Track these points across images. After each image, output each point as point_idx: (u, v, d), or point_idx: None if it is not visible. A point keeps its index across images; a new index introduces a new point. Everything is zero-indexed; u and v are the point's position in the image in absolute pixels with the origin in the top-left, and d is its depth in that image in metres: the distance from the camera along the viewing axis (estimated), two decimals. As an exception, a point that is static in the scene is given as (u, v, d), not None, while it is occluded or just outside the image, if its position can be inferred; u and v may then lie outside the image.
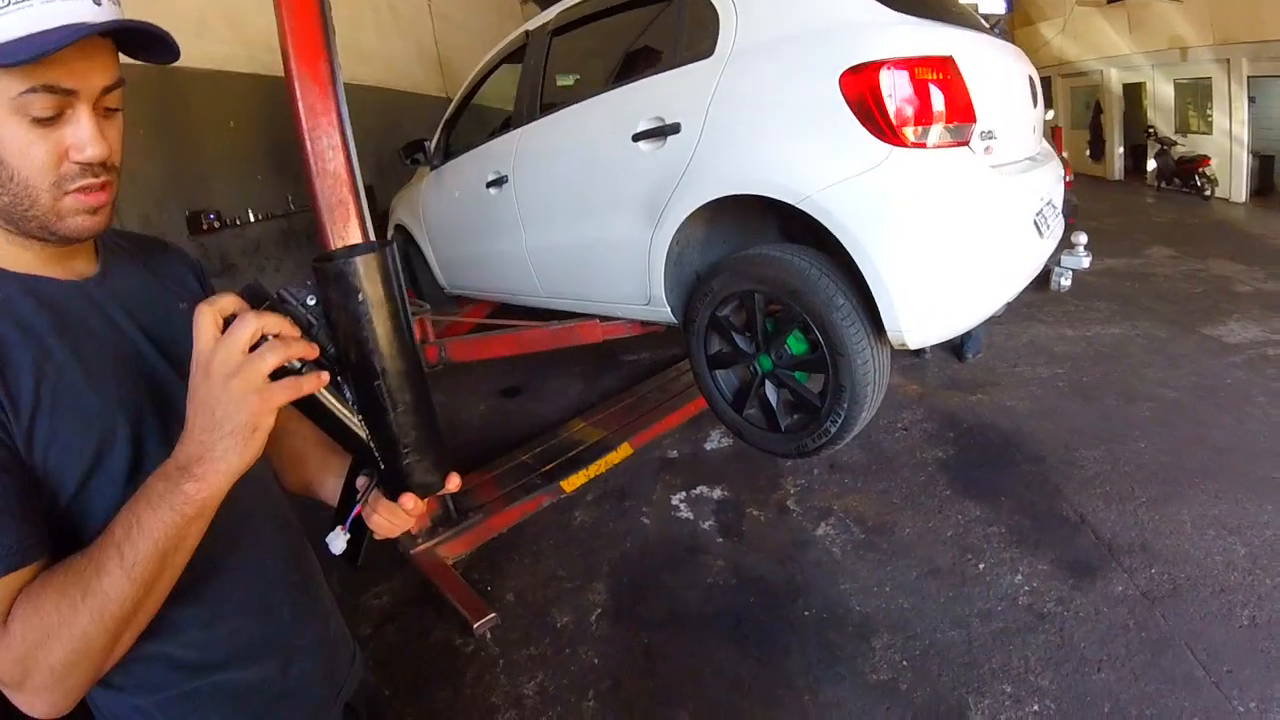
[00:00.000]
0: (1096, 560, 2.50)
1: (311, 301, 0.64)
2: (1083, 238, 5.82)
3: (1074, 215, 6.39)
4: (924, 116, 1.69)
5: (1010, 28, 13.43)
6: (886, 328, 1.81)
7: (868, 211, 1.74)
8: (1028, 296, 5.51)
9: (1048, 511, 2.82)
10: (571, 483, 3.31)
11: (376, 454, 0.70)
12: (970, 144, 1.78)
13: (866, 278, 1.77)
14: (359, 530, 0.77)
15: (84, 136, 0.68)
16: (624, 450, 3.50)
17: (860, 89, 1.70)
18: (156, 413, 0.75)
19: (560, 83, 4.77)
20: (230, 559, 0.81)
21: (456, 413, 4.74)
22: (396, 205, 4.45)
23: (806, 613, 2.42)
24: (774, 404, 2.15)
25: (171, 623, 0.73)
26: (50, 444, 0.67)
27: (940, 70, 1.71)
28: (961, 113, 1.75)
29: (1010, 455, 3.28)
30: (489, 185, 3.08)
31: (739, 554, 2.78)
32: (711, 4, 2.09)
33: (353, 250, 0.63)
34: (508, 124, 3.06)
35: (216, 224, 4.22)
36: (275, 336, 0.61)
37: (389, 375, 0.66)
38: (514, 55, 3.10)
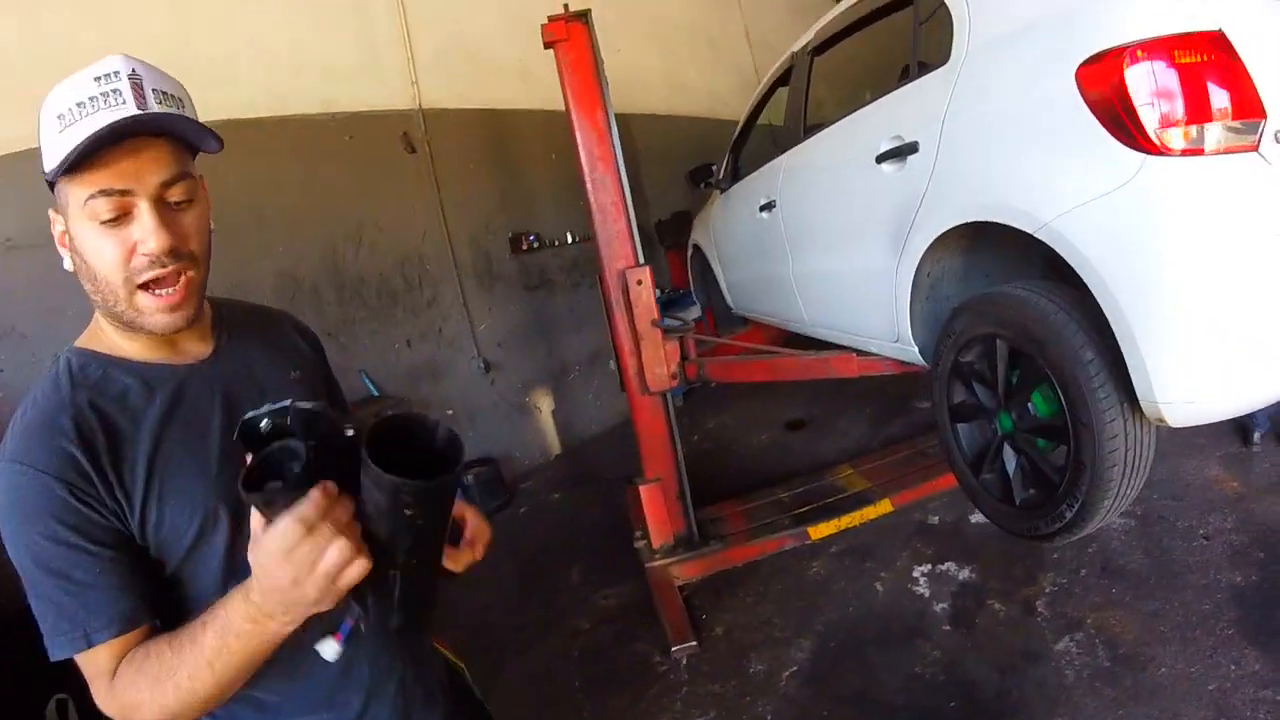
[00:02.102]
0: None
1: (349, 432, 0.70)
2: None
3: None
4: (1187, 114, 1.23)
5: None
6: (1138, 394, 1.35)
7: (1112, 240, 1.30)
8: None
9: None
10: (819, 530, 3.15)
11: (369, 599, 0.73)
12: (1260, 148, 1.26)
13: (1113, 327, 1.36)
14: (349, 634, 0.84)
15: (143, 231, 0.74)
16: (883, 506, 3.21)
17: (1100, 84, 1.29)
18: None
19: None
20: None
21: (736, 439, 4.80)
22: (695, 225, 4.69)
23: (1001, 739, 1.93)
24: (1010, 472, 1.77)
25: (259, 675, 0.78)
26: (159, 526, 0.76)
27: (1205, 51, 1.23)
28: (1242, 106, 1.24)
29: (1329, 596, 2.15)
30: (760, 209, 3.08)
31: (959, 649, 2.34)
32: (944, 2, 1.80)
33: (424, 431, 0.70)
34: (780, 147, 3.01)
35: (536, 244, 4.95)
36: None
37: (405, 569, 0.71)
38: (784, 77, 3.05)
